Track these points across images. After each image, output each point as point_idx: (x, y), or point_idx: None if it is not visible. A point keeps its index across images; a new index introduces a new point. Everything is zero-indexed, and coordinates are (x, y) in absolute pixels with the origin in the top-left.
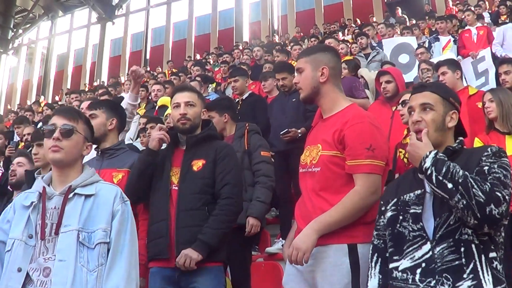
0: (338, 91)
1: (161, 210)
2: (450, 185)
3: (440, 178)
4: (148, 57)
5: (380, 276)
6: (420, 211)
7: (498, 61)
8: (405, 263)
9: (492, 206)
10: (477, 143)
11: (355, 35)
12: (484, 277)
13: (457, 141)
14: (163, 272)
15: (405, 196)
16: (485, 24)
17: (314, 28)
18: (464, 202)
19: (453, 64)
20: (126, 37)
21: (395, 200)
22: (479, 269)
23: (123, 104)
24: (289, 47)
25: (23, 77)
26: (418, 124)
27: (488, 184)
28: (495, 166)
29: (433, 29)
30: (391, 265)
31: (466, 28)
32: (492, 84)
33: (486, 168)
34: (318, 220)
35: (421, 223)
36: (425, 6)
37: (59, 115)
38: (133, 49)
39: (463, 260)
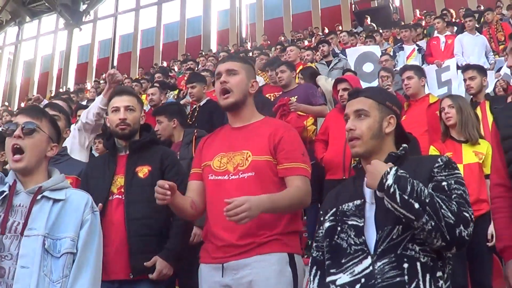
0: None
1: None
2: (417, 205)
3: (406, 197)
4: (115, 64)
5: None
6: (362, 224)
7: (463, 67)
8: (344, 278)
9: (462, 227)
10: (433, 151)
11: (317, 43)
12: None
13: (400, 148)
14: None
15: (343, 206)
16: (454, 33)
17: (282, 36)
18: (433, 224)
19: (420, 71)
20: (93, 43)
21: (334, 210)
22: (422, 287)
23: (94, 108)
24: (255, 55)
25: None
26: (351, 132)
27: (455, 203)
28: (453, 181)
29: (398, 38)
30: (328, 279)
31: (435, 35)
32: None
33: (444, 184)
34: (271, 198)
35: (363, 237)
36: (393, 15)
37: (22, 113)
38: (101, 56)
39: (406, 277)
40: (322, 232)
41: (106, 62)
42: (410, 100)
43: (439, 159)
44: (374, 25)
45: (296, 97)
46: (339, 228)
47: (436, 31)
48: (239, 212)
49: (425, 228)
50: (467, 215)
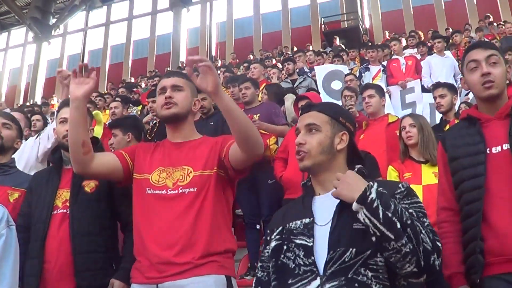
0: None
1: (34, 246)
2: (398, 225)
3: (389, 214)
4: None
5: None
6: (311, 244)
7: (433, 85)
8: None
9: (435, 255)
10: (391, 171)
11: (282, 61)
12: None
13: (356, 169)
14: None
15: (291, 224)
16: (413, 54)
17: (251, 55)
18: (411, 247)
19: (381, 91)
20: (62, 58)
21: (280, 228)
22: None
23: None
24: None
25: None
26: (300, 146)
27: (429, 231)
28: (417, 210)
29: (366, 58)
30: None
31: (394, 57)
32: None
33: (411, 211)
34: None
35: (312, 257)
36: (363, 36)
37: None
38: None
39: None
40: (268, 252)
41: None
42: (369, 120)
43: (400, 185)
44: (343, 46)
45: (258, 115)
46: (285, 247)
47: (394, 54)
48: (204, 59)
49: (401, 250)
50: (439, 244)
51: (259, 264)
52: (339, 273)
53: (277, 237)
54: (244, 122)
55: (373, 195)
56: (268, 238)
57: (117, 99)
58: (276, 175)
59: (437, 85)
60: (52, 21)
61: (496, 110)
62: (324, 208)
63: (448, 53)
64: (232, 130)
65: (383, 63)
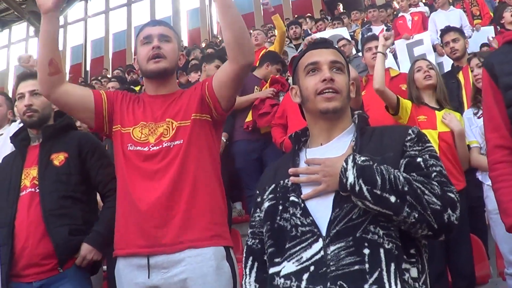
0: None
1: (1, 232)
2: (393, 199)
3: (378, 192)
4: (88, 69)
5: (257, 286)
6: (303, 203)
7: (442, 30)
8: (289, 267)
9: (449, 211)
10: (407, 103)
11: (288, 24)
12: None
13: (356, 116)
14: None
15: (285, 180)
16: (420, 11)
17: (253, 29)
18: (416, 215)
19: None
20: (65, 49)
21: (273, 186)
22: (386, 280)
23: None
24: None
25: None
26: (331, 83)
27: (436, 184)
28: (427, 156)
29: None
30: (272, 270)
31: (400, 15)
32: None
33: (419, 160)
34: None
35: (310, 217)
36: (364, 1)
37: None
38: (73, 62)
39: (366, 265)
40: (259, 216)
41: (79, 68)
42: (368, 75)
43: (410, 131)
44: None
45: None
46: (280, 207)
47: (401, 11)
48: None
49: (407, 221)
50: (452, 195)
51: (249, 230)
52: (346, 232)
53: (270, 196)
54: (239, 21)
55: (351, 178)
56: (259, 199)
57: (112, 79)
58: (276, 142)
59: (448, 29)
60: None
61: None
62: None
63: (452, 7)
64: (226, 31)
65: (386, 23)
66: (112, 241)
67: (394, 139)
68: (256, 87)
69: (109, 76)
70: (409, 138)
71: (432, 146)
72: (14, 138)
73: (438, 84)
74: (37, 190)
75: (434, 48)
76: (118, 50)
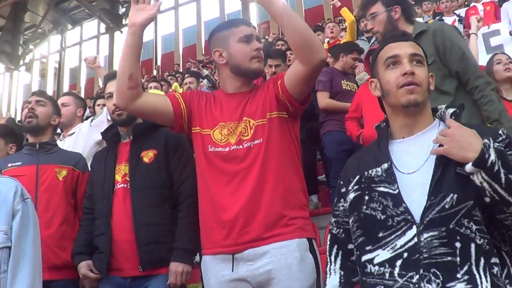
0: None
1: (101, 222)
2: None
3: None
4: (159, 64)
5: (342, 273)
6: (397, 191)
7: None
8: (383, 254)
9: None
10: None
11: (359, 17)
12: (482, 283)
13: (450, 111)
14: (114, 280)
15: (370, 171)
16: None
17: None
18: None
19: None
20: None
21: (358, 177)
22: (476, 272)
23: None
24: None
25: None
26: (413, 77)
27: None
28: None
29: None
30: (364, 258)
31: (472, 5)
32: None
33: None
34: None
35: (404, 204)
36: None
37: None
38: (144, 58)
39: (458, 258)
40: (343, 206)
41: (150, 63)
42: None
43: (500, 132)
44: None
45: None
46: (367, 198)
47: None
48: None
49: None
50: None
51: (333, 219)
52: (439, 222)
53: (356, 187)
54: (301, 24)
55: (493, 157)
56: (343, 190)
57: (187, 75)
58: (352, 135)
59: None
60: (122, 10)
61: None
62: (411, 153)
63: None
64: (289, 36)
65: (458, 12)
66: (197, 248)
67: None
68: (342, 81)
69: (181, 71)
70: (500, 139)
71: None
72: (105, 134)
73: None
74: (128, 187)
75: None
76: (188, 45)
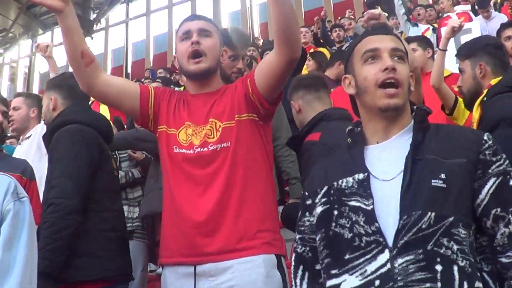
0: None
1: None
2: None
3: None
4: (129, 71)
5: None
6: (371, 206)
7: (503, 24)
8: (351, 281)
9: None
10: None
11: (331, 27)
12: None
13: (416, 108)
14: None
15: (339, 182)
16: (466, 11)
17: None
18: None
19: (424, 42)
20: (106, 52)
21: (326, 188)
22: None
23: None
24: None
25: (7, 97)
26: (394, 73)
27: None
28: None
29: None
30: (329, 283)
31: (445, 15)
32: None
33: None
34: None
35: (376, 224)
36: (407, 3)
37: None
38: (114, 65)
39: (439, 284)
40: (309, 221)
41: (120, 70)
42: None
43: (485, 137)
44: (386, 13)
45: None
46: (336, 212)
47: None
48: None
49: None
50: None
51: (297, 236)
52: (415, 244)
53: (323, 200)
54: (290, 10)
55: None
56: (309, 202)
57: (157, 80)
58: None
59: (506, 25)
60: (93, 16)
61: None
62: (385, 159)
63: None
64: (275, 19)
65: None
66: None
67: (466, 144)
68: (332, 89)
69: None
70: (486, 146)
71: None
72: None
73: None
74: None
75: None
76: (159, 52)
